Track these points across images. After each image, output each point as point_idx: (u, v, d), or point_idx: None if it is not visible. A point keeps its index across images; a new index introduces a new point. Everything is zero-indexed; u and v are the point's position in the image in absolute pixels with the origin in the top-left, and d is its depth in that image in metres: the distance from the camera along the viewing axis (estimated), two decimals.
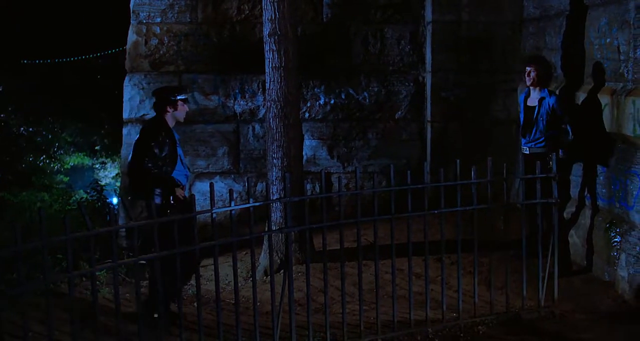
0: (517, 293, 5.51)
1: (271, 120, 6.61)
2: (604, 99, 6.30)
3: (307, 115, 8.56)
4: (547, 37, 7.60)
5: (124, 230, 7.30)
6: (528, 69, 6.66)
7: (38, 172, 12.84)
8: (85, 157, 14.23)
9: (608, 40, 6.29)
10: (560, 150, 6.49)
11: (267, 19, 6.50)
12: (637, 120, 5.70)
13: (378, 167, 8.59)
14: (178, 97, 5.70)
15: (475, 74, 8.40)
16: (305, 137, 8.50)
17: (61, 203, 10.54)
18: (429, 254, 5.13)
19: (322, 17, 8.58)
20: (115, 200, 10.19)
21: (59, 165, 13.64)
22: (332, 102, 8.63)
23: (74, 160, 14.03)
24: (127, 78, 8.56)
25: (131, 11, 8.48)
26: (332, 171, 8.58)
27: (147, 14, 8.44)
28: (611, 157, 6.20)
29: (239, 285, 4.68)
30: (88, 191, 10.42)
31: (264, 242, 6.79)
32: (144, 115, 8.39)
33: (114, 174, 13.33)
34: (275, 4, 6.43)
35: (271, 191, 6.41)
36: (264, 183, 8.08)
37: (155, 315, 4.98)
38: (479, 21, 8.37)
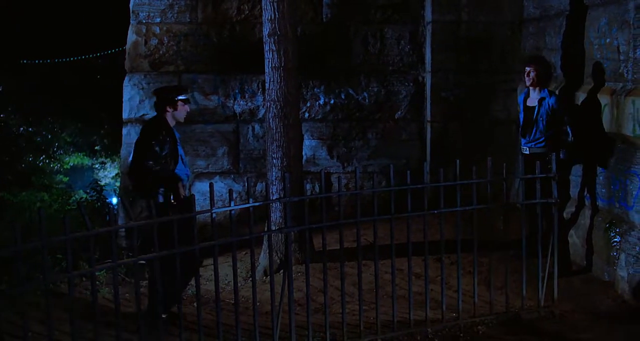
0: (517, 293, 5.51)
1: (271, 120, 6.61)
2: (603, 99, 6.30)
3: (306, 115, 8.56)
4: (547, 37, 7.60)
5: (123, 230, 7.29)
6: (528, 69, 6.66)
7: (38, 172, 12.84)
8: (85, 157, 14.23)
9: (608, 40, 6.29)
10: (561, 151, 6.49)
11: (267, 19, 6.50)
12: (636, 120, 5.70)
13: (378, 167, 8.59)
14: (178, 97, 5.69)
15: (475, 74, 8.40)
16: (305, 137, 8.50)
17: (61, 203, 10.54)
18: (429, 254, 5.13)
19: (321, 17, 8.58)
20: (114, 200, 10.19)
21: (59, 165, 13.65)
22: (332, 102, 8.63)
23: (73, 160, 14.03)
24: (126, 78, 8.56)
25: (131, 11, 8.48)
26: (331, 171, 8.58)
27: (147, 14, 8.44)
28: (611, 157, 6.20)
29: (239, 285, 4.67)
30: (88, 191, 10.42)
31: (264, 242, 6.79)
32: (143, 115, 8.39)
33: (114, 174, 13.34)
34: (275, 4, 6.42)
35: (271, 191, 6.41)
36: (264, 183, 8.08)
37: (164, 316, 4.97)
38: (479, 21, 8.37)
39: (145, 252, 4.44)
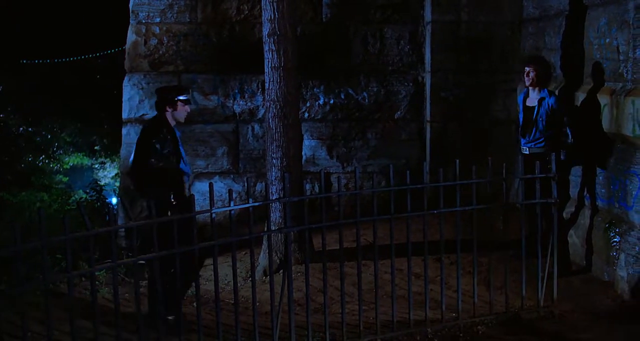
0: (517, 293, 5.51)
1: (270, 120, 6.61)
2: (603, 99, 6.30)
3: (306, 115, 8.56)
4: (547, 37, 7.60)
5: (123, 230, 7.29)
6: (527, 69, 6.66)
7: (37, 172, 12.85)
8: (85, 157, 14.23)
9: (607, 40, 6.29)
10: (562, 152, 6.49)
11: (267, 19, 6.50)
12: (636, 120, 5.70)
13: (377, 167, 8.60)
14: (178, 97, 5.66)
15: (475, 74, 8.40)
16: (305, 137, 8.50)
17: (60, 203, 10.54)
18: (428, 254, 5.12)
19: (321, 17, 8.59)
20: (114, 200, 10.19)
21: (58, 165, 13.65)
22: (332, 102, 8.63)
23: (73, 160, 14.04)
24: (126, 78, 8.57)
25: (130, 11, 8.49)
26: (331, 171, 8.58)
27: (147, 14, 8.44)
28: (610, 157, 6.20)
29: (239, 285, 4.67)
30: (87, 191, 10.43)
31: (264, 242, 6.79)
32: (143, 115, 8.39)
33: (113, 174, 13.34)
34: (275, 4, 6.42)
35: (270, 191, 6.41)
36: (263, 183, 8.08)
37: (170, 317, 4.95)
38: (479, 21, 8.37)
39: (145, 252, 4.44)
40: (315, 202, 6.69)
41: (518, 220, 5.47)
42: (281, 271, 5.60)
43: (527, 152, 6.58)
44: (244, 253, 6.78)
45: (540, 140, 6.57)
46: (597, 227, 6.31)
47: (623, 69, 6.04)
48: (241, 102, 8.58)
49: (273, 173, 6.62)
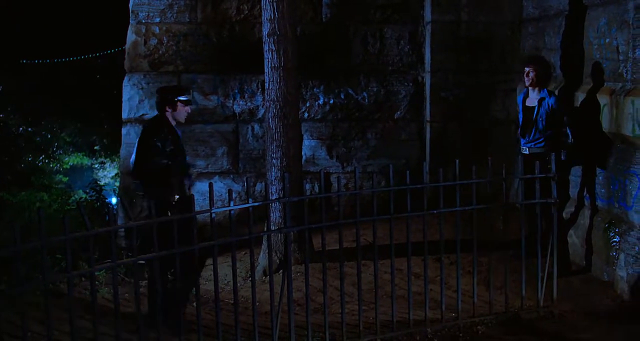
0: (516, 293, 5.51)
1: (270, 120, 6.61)
2: (603, 99, 6.30)
3: (306, 115, 8.56)
4: (547, 37, 7.60)
5: (123, 230, 7.29)
6: (527, 69, 6.66)
7: (37, 172, 12.85)
8: (85, 157, 14.24)
9: (607, 40, 6.29)
10: (562, 152, 6.49)
11: (267, 19, 6.50)
12: (636, 120, 5.70)
13: (377, 167, 8.60)
14: (178, 98, 5.64)
15: (475, 74, 8.40)
16: (305, 137, 8.50)
17: (60, 203, 10.54)
18: (428, 254, 5.12)
19: (321, 17, 8.59)
20: (114, 200, 10.19)
21: (58, 165, 13.65)
22: (332, 102, 8.63)
23: (73, 160, 14.04)
24: (126, 78, 8.57)
25: (130, 11, 8.49)
26: (331, 171, 8.58)
27: (146, 14, 8.44)
28: (610, 157, 6.20)
29: (238, 285, 4.67)
30: (87, 191, 10.42)
31: (263, 242, 6.79)
32: (143, 115, 8.39)
33: (113, 174, 13.34)
34: (275, 4, 6.42)
35: (270, 191, 6.41)
36: (263, 183, 8.06)
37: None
38: (479, 21, 8.37)
39: (144, 252, 4.44)
40: (315, 202, 6.69)
41: (518, 220, 5.47)
42: (281, 271, 5.60)
43: (527, 152, 6.58)
44: (243, 253, 6.79)
45: (540, 140, 6.57)
46: (597, 227, 6.31)
47: (623, 68, 6.04)
48: (241, 102, 8.58)
49: (273, 173, 6.62)
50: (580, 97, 6.73)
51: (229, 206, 4.43)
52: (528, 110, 6.68)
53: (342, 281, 4.89)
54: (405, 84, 8.69)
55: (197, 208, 4.52)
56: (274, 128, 6.59)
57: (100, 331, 3.96)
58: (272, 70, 6.54)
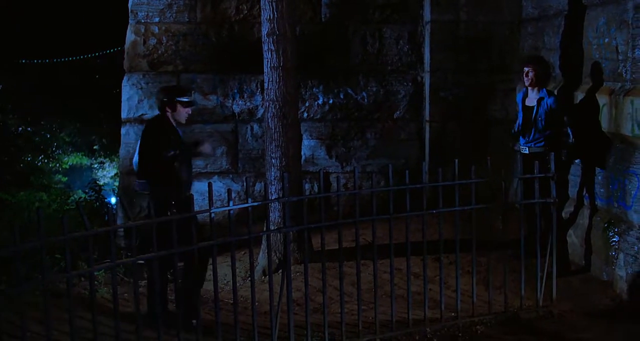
0: (516, 293, 5.51)
1: (270, 120, 6.61)
2: (602, 99, 6.30)
3: (305, 115, 8.56)
4: (546, 37, 7.60)
5: (122, 230, 7.28)
6: (526, 69, 6.66)
7: (36, 171, 12.85)
8: (84, 157, 14.24)
9: (606, 40, 6.29)
10: (562, 152, 6.49)
11: (266, 19, 6.50)
12: (635, 120, 5.70)
13: (376, 166, 8.60)
14: (178, 99, 5.63)
15: (474, 74, 8.40)
16: (304, 136, 8.50)
17: (59, 203, 10.54)
18: (428, 254, 5.13)
19: (320, 17, 8.58)
20: (113, 200, 10.19)
21: (58, 165, 13.65)
22: (331, 101, 8.63)
23: (72, 160, 14.04)
24: (125, 78, 8.56)
25: (129, 11, 8.48)
26: (330, 171, 8.58)
27: (146, 13, 8.44)
28: (609, 156, 6.20)
29: (238, 284, 4.67)
30: (86, 191, 10.42)
31: (263, 242, 6.79)
32: (142, 114, 8.39)
33: (113, 174, 13.35)
34: (274, 3, 6.42)
35: (269, 191, 6.41)
36: (263, 183, 8.08)
37: (194, 321, 4.91)
38: (478, 21, 8.37)
39: (144, 251, 4.44)
40: (314, 201, 6.67)
41: (517, 220, 5.47)
42: (280, 271, 5.60)
43: (527, 152, 6.58)
44: (243, 253, 6.79)
45: (540, 140, 6.57)
46: (596, 227, 6.31)
47: (622, 68, 6.04)
48: (240, 102, 8.58)
49: (272, 173, 6.62)
50: (579, 96, 6.73)
51: (228, 206, 4.43)
52: (527, 109, 6.68)
53: (341, 281, 4.89)
54: (405, 83, 8.69)
55: (196, 208, 4.52)
56: (273, 128, 6.59)
57: (100, 331, 3.96)
58: (272, 70, 6.54)
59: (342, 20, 8.59)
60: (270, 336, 4.66)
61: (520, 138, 6.74)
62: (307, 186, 8.45)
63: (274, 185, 6.58)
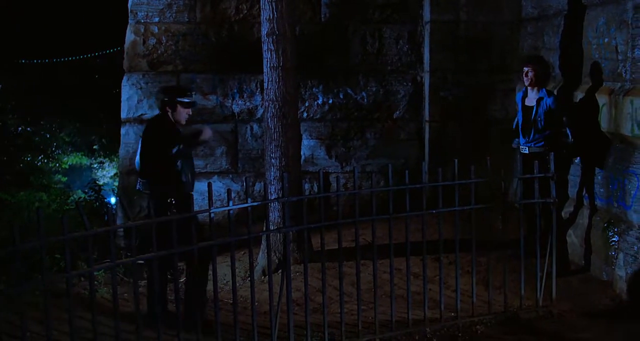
0: (515, 293, 5.51)
1: (269, 120, 6.61)
2: (602, 99, 6.30)
3: (305, 114, 8.56)
4: (546, 37, 7.60)
5: (122, 229, 7.28)
6: (526, 69, 6.66)
7: (36, 171, 12.84)
8: (84, 157, 14.23)
9: (606, 40, 6.29)
10: (562, 152, 6.50)
11: (265, 19, 6.50)
12: (635, 120, 5.70)
13: (376, 166, 8.59)
14: (178, 99, 5.64)
15: (474, 74, 8.40)
16: (304, 136, 8.50)
17: (59, 203, 10.53)
18: (427, 254, 5.13)
19: (320, 17, 8.58)
20: (113, 200, 10.19)
21: (57, 164, 13.64)
22: (331, 101, 8.63)
23: (72, 159, 14.03)
24: (125, 78, 8.56)
25: (129, 11, 8.48)
26: (330, 171, 8.57)
27: (145, 13, 8.44)
28: (609, 156, 6.20)
29: (237, 284, 4.67)
30: (86, 191, 10.42)
31: (262, 242, 6.79)
32: (142, 114, 8.39)
33: (112, 174, 13.34)
34: (274, 3, 6.42)
35: (269, 191, 6.41)
36: (262, 183, 8.08)
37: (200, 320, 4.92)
38: (477, 21, 8.37)
39: (143, 251, 4.44)
40: (314, 201, 6.66)
41: (517, 220, 5.47)
42: (280, 271, 5.60)
43: (527, 152, 6.58)
44: (242, 253, 6.78)
45: (539, 140, 6.57)
46: (596, 227, 6.31)
47: (622, 68, 6.04)
48: (240, 102, 8.57)
49: (272, 173, 6.62)
50: (579, 96, 6.73)
51: (228, 206, 4.43)
52: (527, 109, 6.69)
53: (341, 281, 4.89)
54: (404, 83, 8.69)
55: (196, 208, 4.52)
56: (272, 128, 6.59)
57: (100, 331, 3.96)
58: (271, 70, 6.54)
59: (342, 20, 8.59)
60: (270, 336, 4.65)
61: (520, 138, 6.74)
62: (306, 186, 8.45)
63: (274, 185, 6.58)
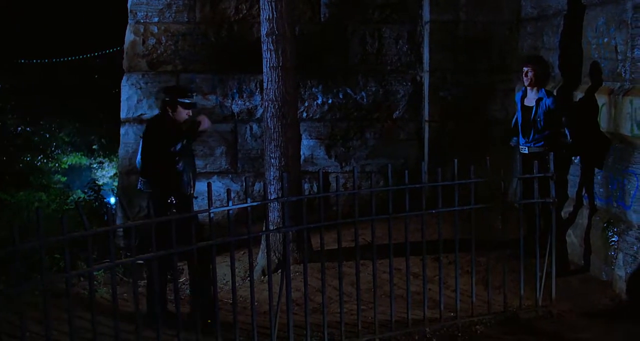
0: (515, 293, 5.51)
1: (269, 120, 6.61)
2: (601, 99, 6.30)
3: (304, 114, 8.56)
4: (545, 37, 7.60)
5: (121, 229, 7.28)
6: (525, 69, 6.66)
7: (35, 171, 12.82)
8: (83, 157, 14.21)
9: (606, 39, 6.29)
10: (562, 152, 6.50)
11: (265, 19, 6.50)
12: (634, 119, 5.71)
13: (376, 166, 8.59)
14: (179, 100, 5.65)
15: (473, 74, 8.40)
16: (303, 136, 8.49)
17: (59, 203, 10.52)
18: (427, 254, 5.13)
19: (319, 17, 8.58)
20: (112, 200, 10.19)
21: (57, 164, 13.63)
22: (330, 101, 8.63)
23: (71, 159, 14.01)
24: (124, 78, 8.56)
25: (129, 11, 8.48)
26: (329, 171, 8.57)
27: (145, 13, 8.44)
28: (609, 156, 6.20)
29: (237, 284, 4.67)
30: (85, 191, 10.41)
31: (262, 242, 6.79)
32: (141, 114, 8.39)
33: (112, 174, 13.33)
34: (273, 3, 6.42)
35: (269, 191, 6.41)
36: (262, 183, 8.08)
37: (209, 321, 4.91)
38: (477, 21, 8.37)
39: (143, 251, 4.44)
40: (313, 201, 6.66)
41: (516, 220, 5.47)
42: (279, 271, 5.61)
43: (526, 152, 6.58)
44: (242, 252, 6.78)
45: (539, 140, 6.57)
46: (596, 227, 6.31)
47: (621, 68, 6.05)
48: (239, 102, 8.57)
49: (271, 173, 6.62)
50: (578, 96, 6.74)
51: (228, 206, 4.43)
52: (526, 110, 6.68)
53: (340, 281, 4.89)
54: (404, 83, 8.69)
55: (195, 208, 4.52)
56: (272, 128, 6.59)
57: (99, 331, 3.96)
58: (271, 70, 6.54)
59: (342, 20, 8.59)
60: (270, 336, 4.65)
61: (520, 138, 6.74)
62: (306, 186, 8.45)
63: (273, 185, 6.57)
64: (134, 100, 8.48)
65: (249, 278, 4.75)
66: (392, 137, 8.69)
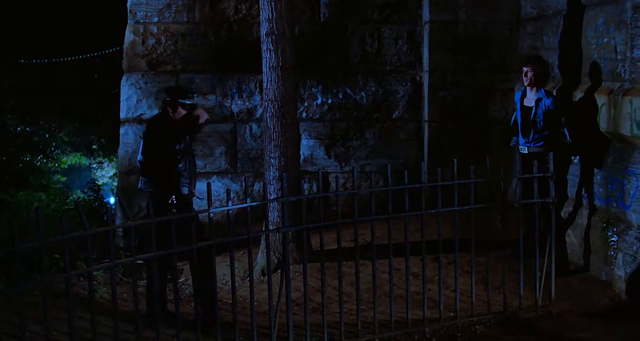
0: (515, 293, 5.51)
1: (268, 120, 6.61)
2: (601, 99, 6.30)
3: (304, 114, 8.56)
4: (545, 37, 7.61)
5: (121, 229, 7.28)
6: (525, 69, 6.66)
7: (35, 171, 12.82)
8: (83, 157, 14.21)
9: (605, 39, 6.30)
10: (561, 152, 6.50)
11: (265, 19, 6.50)
12: (634, 119, 5.71)
13: (375, 166, 8.59)
14: (179, 101, 5.67)
15: (473, 74, 8.40)
16: (303, 136, 8.49)
17: (58, 203, 10.52)
18: (427, 254, 5.13)
19: (319, 17, 8.58)
20: (112, 200, 10.19)
21: (56, 164, 13.63)
22: (330, 101, 8.63)
23: (71, 159, 14.01)
24: (124, 78, 8.56)
25: (128, 11, 8.48)
26: (329, 171, 8.57)
27: (145, 13, 8.44)
28: (608, 156, 6.21)
29: (237, 284, 4.67)
30: (85, 191, 10.41)
31: (262, 242, 6.79)
32: (141, 114, 8.39)
33: (111, 174, 13.33)
34: (273, 3, 6.42)
35: (268, 191, 6.41)
36: (262, 183, 8.08)
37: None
38: (477, 21, 8.37)
39: (143, 251, 4.43)
40: (313, 201, 6.68)
41: (516, 220, 5.47)
42: (279, 270, 5.61)
43: (526, 152, 6.58)
44: (242, 252, 6.78)
45: (539, 140, 6.57)
46: (595, 227, 6.31)
47: (621, 68, 6.05)
48: (239, 102, 8.57)
49: (271, 173, 6.62)
50: (578, 96, 6.74)
51: (227, 206, 4.43)
52: (526, 110, 6.69)
53: (340, 281, 4.89)
54: (404, 83, 8.69)
55: (195, 208, 4.52)
56: (272, 128, 6.59)
57: (99, 331, 3.96)
58: (270, 70, 6.54)
59: (341, 20, 8.59)
60: (269, 336, 4.65)
61: (520, 138, 6.74)
62: (306, 186, 8.45)
63: (273, 185, 6.57)
64: (133, 100, 8.48)
65: (248, 278, 4.75)
66: (391, 137, 8.69)
